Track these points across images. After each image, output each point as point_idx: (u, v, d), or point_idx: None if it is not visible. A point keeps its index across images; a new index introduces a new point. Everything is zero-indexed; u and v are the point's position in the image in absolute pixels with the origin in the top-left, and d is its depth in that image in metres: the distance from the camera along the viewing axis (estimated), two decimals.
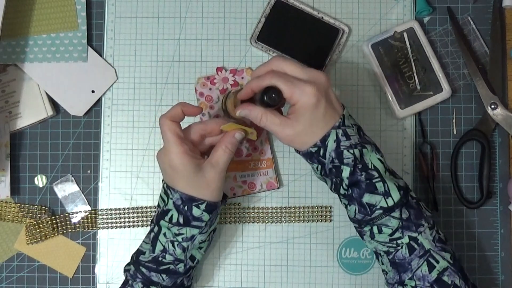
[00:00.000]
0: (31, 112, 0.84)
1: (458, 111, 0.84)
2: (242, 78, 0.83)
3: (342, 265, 0.82)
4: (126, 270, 0.75)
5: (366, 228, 0.71)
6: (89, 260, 0.83)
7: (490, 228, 0.82)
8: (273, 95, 0.69)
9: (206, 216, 0.72)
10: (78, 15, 0.84)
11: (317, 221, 0.82)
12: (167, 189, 0.73)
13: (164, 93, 0.84)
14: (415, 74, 0.82)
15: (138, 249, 0.75)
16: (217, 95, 0.83)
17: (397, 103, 0.82)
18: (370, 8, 0.85)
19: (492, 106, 0.81)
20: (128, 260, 0.76)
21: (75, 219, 0.84)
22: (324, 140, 0.69)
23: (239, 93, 0.73)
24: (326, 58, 0.83)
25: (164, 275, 0.73)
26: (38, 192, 0.84)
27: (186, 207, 0.71)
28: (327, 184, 0.74)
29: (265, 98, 0.69)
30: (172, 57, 0.85)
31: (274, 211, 0.83)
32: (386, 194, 0.69)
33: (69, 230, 0.84)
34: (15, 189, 0.84)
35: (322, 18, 0.83)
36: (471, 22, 0.84)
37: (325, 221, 0.82)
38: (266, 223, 0.83)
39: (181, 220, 0.72)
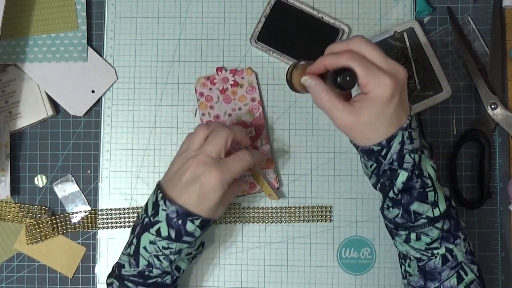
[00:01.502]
0: (31, 112, 0.84)
1: (458, 111, 0.84)
2: (242, 78, 0.83)
3: (342, 265, 0.82)
4: (109, 284, 0.73)
5: (403, 232, 0.68)
6: (89, 260, 0.83)
7: (490, 228, 0.82)
8: (348, 78, 0.63)
9: (198, 232, 0.70)
10: (78, 15, 0.84)
11: (317, 221, 0.82)
12: (162, 200, 0.69)
13: (164, 93, 0.84)
14: (415, 74, 0.82)
15: (117, 262, 0.73)
16: (217, 95, 0.83)
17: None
18: (370, 8, 0.85)
19: (492, 106, 0.81)
20: None
21: (75, 219, 0.84)
22: (390, 140, 0.65)
23: (310, 66, 0.67)
24: None
25: None
26: (38, 192, 0.85)
27: (180, 221, 0.68)
28: (370, 180, 0.70)
29: (339, 79, 0.63)
30: (172, 57, 0.85)
31: (274, 211, 0.83)
32: (435, 204, 0.66)
33: (69, 230, 0.84)
34: (15, 189, 0.84)
35: (322, 18, 0.83)
36: (471, 22, 0.84)
37: (325, 221, 0.82)
38: (266, 223, 0.83)
39: (172, 235, 0.69)
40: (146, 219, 0.71)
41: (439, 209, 0.67)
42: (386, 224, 0.71)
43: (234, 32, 0.85)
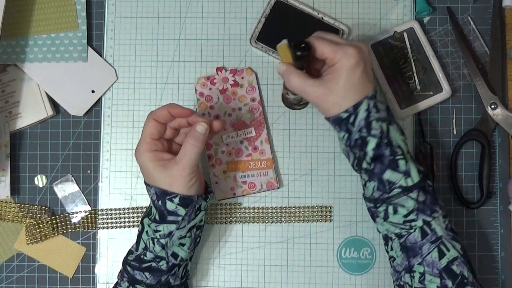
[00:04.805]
0: (31, 112, 0.84)
1: (458, 111, 0.84)
2: (242, 78, 0.83)
3: (342, 265, 0.82)
4: (119, 271, 0.76)
5: (381, 208, 0.71)
6: (89, 260, 0.83)
7: (490, 228, 0.82)
8: (301, 45, 0.70)
9: (181, 210, 0.72)
10: (78, 15, 0.84)
11: (317, 221, 0.82)
12: (146, 186, 0.74)
13: (164, 93, 0.84)
14: (415, 74, 0.82)
15: (129, 249, 0.76)
16: (217, 95, 0.83)
17: (397, 103, 0.82)
18: (370, 8, 0.85)
19: (492, 106, 0.81)
20: None
21: (75, 219, 0.84)
22: (356, 107, 0.70)
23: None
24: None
25: (147, 273, 0.73)
26: (38, 192, 0.84)
27: (160, 202, 0.72)
28: (349, 160, 0.74)
29: (296, 50, 0.70)
30: (172, 57, 0.85)
31: (274, 211, 0.83)
32: (407, 173, 0.70)
33: (69, 230, 0.84)
34: (15, 189, 0.84)
35: (322, 18, 0.83)
36: (471, 22, 0.84)
37: (325, 221, 0.82)
38: (266, 223, 0.83)
39: (157, 217, 0.72)
40: (150, 206, 0.75)
41: (412, 179, 0.70)
42: (368, 207, 0.74)
43: (234, 32, 0.85)
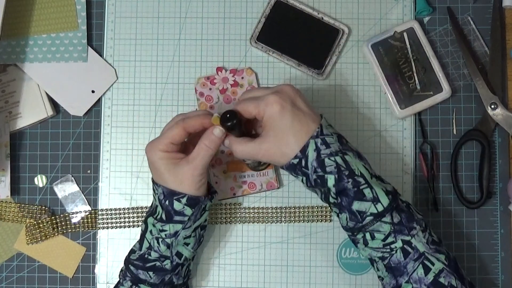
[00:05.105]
0: (31, 112, 0.84)
1: (458, 111, 0.84)
2: (242, 78, 0.83)
3: (342, 265, 0.82)
4: (120, 271, 0.76)
5: (359, 236, 0.70)
6: (89, 260, 0.83)
7: (490, 228, 0.82)
8: (227, 115, 0.70)
9: (188, 211, 0.72)
10: (78, 15, 0.84)
11: (317, 221, 0.82)
12: (154, 185, 0.74)
13: (164, 93, 0.84)
14: (415, 74, 0.82)
15: (131, 249, 0.76)
16: (217, 95, 0.83)
17: (397, 103, 0.82)
18: (370, 8, 0.85)
19: (492, 106, 0.81)
20: None
21: (75, 219, 0.84)
22: (303, 150, 0.69)
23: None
24: (326, 59, 0.83)
25: (151, 272, 0.73)
26: (38, 192, 0.85)
27: (167, 202, 0.72)
28: (317, 195, 0.73)
29: (224, 122, 0.70)
30: (172, 57, 0.85)
31: (274, 211, 0.83)
32: (375, 200, 0.69)
33: (69, 230, 0.84)
34: (15, 189, 0.84)
35: (322, 18, 0.83)
36: (471, 22, 0.85)
37: (325, 221, 0.82)
38: (266, 223, 0.83)
39: (163, 216, 0.72)
40: (154, 204, 0.75)
41: (382, 204, 0.69)
42: (348, 235, 0.73)
43: (234, 32, 0.85)
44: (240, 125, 0.71)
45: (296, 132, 0.69)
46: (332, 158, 0.69)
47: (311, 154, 0.69)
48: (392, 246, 0.69)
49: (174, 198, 0.72)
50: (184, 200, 0.72)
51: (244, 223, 0.83)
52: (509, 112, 0.81)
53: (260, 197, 0.83)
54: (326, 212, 0.82)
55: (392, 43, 0.83)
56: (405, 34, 0.83)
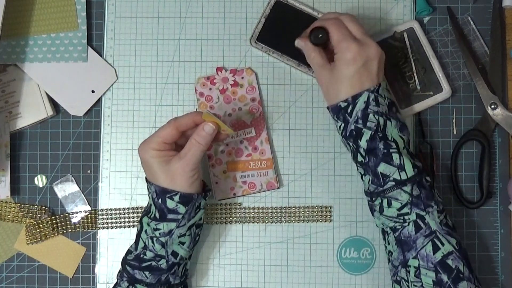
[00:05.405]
0: (31, 112, 0.84)
1: (458, 111, 0.84)
2: (242, 78, 0.83)
3: (342, 265, 0.82)
4: (118, 271, 0.76)
5: (377, 202, 0.72)
6: (89, 260, 0.83)
7: (490, 228, 0.82)
8: (318, 34, 0.74)
9: (182, 208, 0.72)
10: (78, 15, 0.84)
11: (317, 221, 0.82)
12: (147, 184, 0.75)
13: (164, 93, 0.84)
14: (415, 74, 0.82)
15: (128, 249, 0.76)
16: (217, 95, 0.83)
17: (397, 103, 0.82)
18: (370, 8, 0.85)
19: (492, 106, 0.81)
20: None
21: (75, 219, 0.84)
22: (355, 97, 0.71)
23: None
24: None
25: (146, 272, 0.73)
26: (38, 192, 0.85)
27: (160, 200, 0.72)
28: (347, 149, 0.75)
29: (311, 35, 0.74)
30: (172, 57, 0.85)
31: (274, 211, 0.83)
32: (401, 167, 0.70)
33: (69, 230, 0.84)
34: (15, 189, 0.84)
35: None
36: (471, 22, 0.85)
37: (325, 221, 0.82)
38: (266, 223, 0.83)
39: (157, 215, 0.73)
40: (148, 204, 0.75)
41: (406, 173, 0.70)
42: (368, 202, 0.75)
43: (234, 32, 0.85)
44: (326, 44, 0.75)
45: (353, 84, 0.72)
46: (376, 117, 0.71)
47: (360, 104, 0.71)
48: (406, 217, 0.70)
49: (167, 196, 0.72)
50: (176, 198, 0.72)
51: (244, 223, 0.83)
52: (509, 112, 0.81)
53: (260, 197, 0.83)
54: (326, 212, 0.82)
55: (392, 43, 0.83)
56: (405, 34, 0.83)
